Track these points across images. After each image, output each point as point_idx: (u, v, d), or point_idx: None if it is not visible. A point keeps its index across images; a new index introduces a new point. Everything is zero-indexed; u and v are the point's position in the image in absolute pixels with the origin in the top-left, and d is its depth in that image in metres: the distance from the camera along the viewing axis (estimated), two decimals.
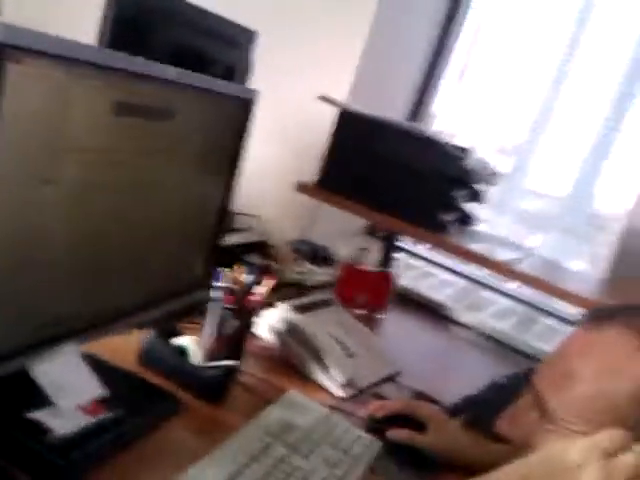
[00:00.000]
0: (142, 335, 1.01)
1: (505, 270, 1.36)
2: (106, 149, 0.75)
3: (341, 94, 1.74)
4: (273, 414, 0.94)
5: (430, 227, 1.41)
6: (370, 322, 1.51)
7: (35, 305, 0.73)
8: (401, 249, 1.87)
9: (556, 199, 1.93)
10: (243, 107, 1.02)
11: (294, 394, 1.02)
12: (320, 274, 1.60)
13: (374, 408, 1.05)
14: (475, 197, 1.50)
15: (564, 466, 0.55)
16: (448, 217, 1.44)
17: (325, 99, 1.50)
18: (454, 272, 1.96)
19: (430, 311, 1.77)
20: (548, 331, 1.85)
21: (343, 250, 1.75)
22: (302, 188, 1.55)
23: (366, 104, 1.58)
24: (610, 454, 0.53)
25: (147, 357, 0.99)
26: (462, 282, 1.97)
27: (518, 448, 0.67)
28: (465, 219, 1.51)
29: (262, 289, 1.06)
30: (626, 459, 0.52)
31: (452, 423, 1.03)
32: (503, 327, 1.79)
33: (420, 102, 2.00)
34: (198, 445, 0.84)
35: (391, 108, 1.89)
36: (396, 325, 1.61)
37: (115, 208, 0.81)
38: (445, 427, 1.02)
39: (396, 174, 1.42)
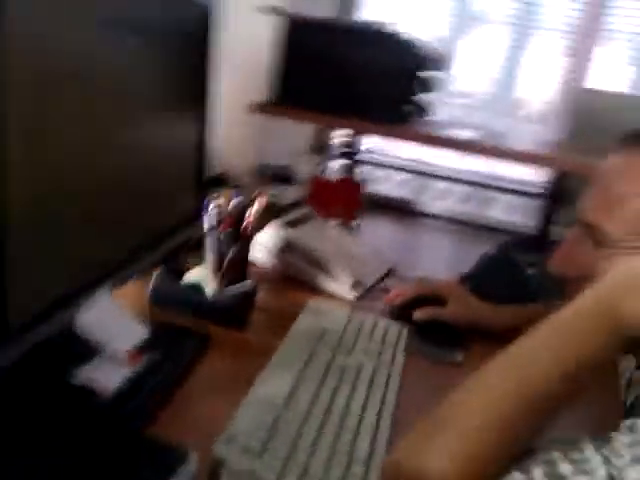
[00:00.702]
0: (147, 280, 0.98)
1: (475, 148, 1.38)
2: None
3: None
4: (304, 324, 0.94)
5: (392, 121, 1.40)
6: (348, 229, 1.52)
7: (64, 254, 0.69)
8: (355, 157, 1.86)
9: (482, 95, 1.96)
10: (201, 17, 0.94)
11: (314, 302, 1.03)
12: (290, 193, 1.58)
13: (393, 297, 1.07)
14: (429, 85, 1.50)
15: None
16: (408, 108, 1.44)
17: (270, 9, 1.44)
18: (412, 171, 1.98)
19: (399, 209, 1.79)
20: (506, 206, 1.91)
21: (303, 167, 1.73)
22: (257, 108, 1.50)
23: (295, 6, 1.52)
24: None
25: (160, 297, 0.96)
26: (420, 178, 2.00)
27: (575, 284, 0.68)
28: (422, 109, 1.51)
29: (254, 210, 1.04)
30: None
31: (468, 293, 1.07)
32: (467, 209, 1.84)
33: None
34: (240, 370, 0.84)
35: (320, 7, 1.83)
36: (373, 228, 1.62)
37: (105, 138, 0.75)
38: (464, 298, 1.05)
39: (351, 75, 1.40)
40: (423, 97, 1.51)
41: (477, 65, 1.82)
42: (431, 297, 1.05)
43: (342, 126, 1.54)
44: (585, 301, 0.61)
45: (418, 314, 1.02)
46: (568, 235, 0.70)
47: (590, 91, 1.64)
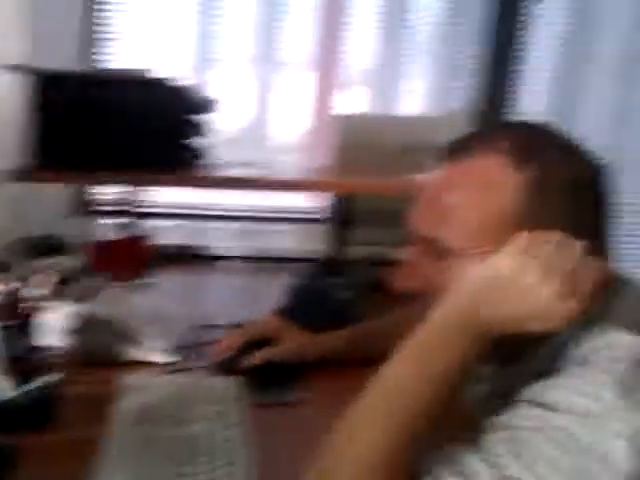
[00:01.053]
0: None
1: (253, 183, 1.38)
2: None
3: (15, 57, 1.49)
4: (126, 405, 0.82)
5: (167, 168, 1.32)
6: (144, 290, 1.40)
7: None
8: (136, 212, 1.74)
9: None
10: None
11: (132, 378, 0.90)
12: (68, 262, 1.41)
13: (220, 350, 1.00)
14: (201, 128, 1.44)
15: (501, 277, 0.58)
16: (182, 154, 1.37)
17: (11, 67, 1.27)
18: (197, 216, 1.91)
19: (193, 258, 1.71)
20: (292, 235, 1.92)
21: (75, 232, 1.57)
22: (9, 176, 1.31)
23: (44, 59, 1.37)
24: (532, 250, 0.57)
25: None
26: (206, 222, 1.93)
27: (422, 296, 0.67)
28: (197, 152, 1.45)
29: (32, 291, 0.90)
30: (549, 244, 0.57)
31: (294, 328, 1.03)
32: (256, 245, 1.81)
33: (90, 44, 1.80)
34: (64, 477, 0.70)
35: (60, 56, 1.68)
36: (171, 282, 1.51)
37: None
38: (292, 333, 1.02)
39: (116, 126, 1.28)
40: (196, 141, 1.46)
41: (233, 104, 1.82)
42: (259, 340, 0.99)
43: (114, 181, 1.42)
44: (444, 314, 0.60)
45: (247, 362, 0.96)
46: (407, 253, 0.69)
47: (353, 116, 1.73)
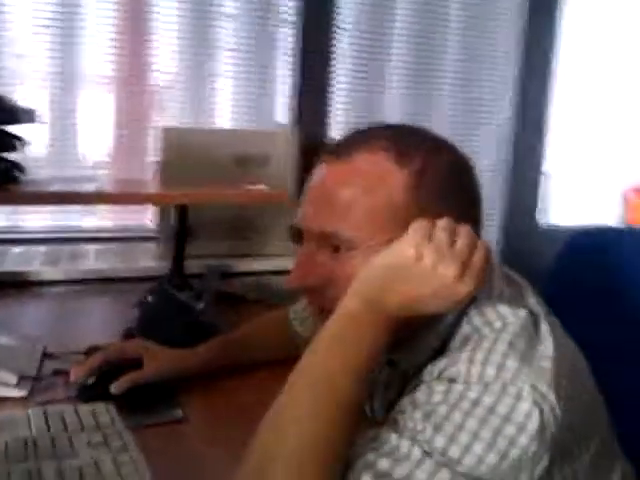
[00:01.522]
0: None
1: (95, 197, 1.29)
2: None
3: None
4: None
5: None
6: None
7: None
8: None
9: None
10: None
11: None
12: None
13: (77, 374, 0.92)
14: (17, 142, 1.31)
15: (401, 262, 0.61)
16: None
17: None
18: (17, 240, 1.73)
19: (10, 285, 1.54)
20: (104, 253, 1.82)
21: None
22: None
23: None
24: (426, 236, 0.61)
25: None
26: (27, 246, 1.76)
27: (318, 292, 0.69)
28: (16, 168, 1.32)
29: None
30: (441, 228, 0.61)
31: (158, 346, 0.99)
32: (88, 266, 1.69)
33: None
34: None
35: None
36: (3, 311, 1.36)
37: None
38: (157, 352, 0.98)
39: None
40: (11, 155, 1.32)
41: (41, 121, 1.69)
42: (123, 363, 0.94)
43: None
44: (348, 304, 0.63)
45: (115, 387, 0.90)
46: (300, 252, 0.71)
47: (178, 129, 1.70)
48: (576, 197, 2.61)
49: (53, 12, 1.71)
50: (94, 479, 0.66)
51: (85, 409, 0.83)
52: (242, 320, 1.15)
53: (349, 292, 0.63)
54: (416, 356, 0.71)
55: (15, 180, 1.31)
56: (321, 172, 0.71)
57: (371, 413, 0.81)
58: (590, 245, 1.09)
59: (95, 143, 1.84)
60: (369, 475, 0.57)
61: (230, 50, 1.93)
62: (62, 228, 1.84)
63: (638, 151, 2.55)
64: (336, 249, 0.68)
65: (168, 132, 1.63)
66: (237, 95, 1.97)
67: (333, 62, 2.07)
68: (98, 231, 1.87)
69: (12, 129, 1.32)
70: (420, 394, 0.63)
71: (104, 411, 0.83)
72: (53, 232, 1.81)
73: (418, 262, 0.61)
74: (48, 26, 1.72)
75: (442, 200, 0.67)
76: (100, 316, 1.44)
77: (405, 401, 0.64)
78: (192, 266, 1.51)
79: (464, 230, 0.63)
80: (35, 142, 1.62)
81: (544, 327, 0.67)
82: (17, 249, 1.72)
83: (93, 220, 1.87)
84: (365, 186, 0.67)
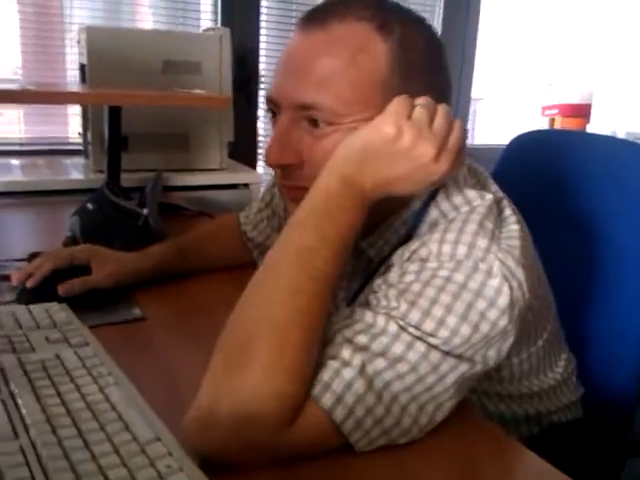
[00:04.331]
0: None
1: (22, 94, 1.21)
2: None
3: None
4: None
5: None
6: None
7: None
8: None
9: None
10: None
11: None
12: None
13: (19, 279, 0.88)
14: None
15: (380, 140, 0.60)
16: None
17: None
18: None
19: None
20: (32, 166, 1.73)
21: None
22: None
23: None
24: (406, 113, 0.60)
25: None
26: None
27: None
28: None
29: None
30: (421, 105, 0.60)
31: (108, 250, 0.96)
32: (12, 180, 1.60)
33: None
34: None
35: None
36: None
37: None
38: (106, 255, 0.94)
39: None
40: None
41: None
42: (71, 267, 0.90)
43: None
44: (327, 181, 0.62)
45: (65, 290, 0.87)
46: (276, 126, 0.68)
47: (100, 29, 1.59)
48: (502, 118, 2.72)
49: None
50: (59, 372, 0.64)
51: (39, 308, 0.80)
52: (185, 230, 1.12)
53: (326, 169, 0.62)
54: (383, 243, 0.71)
55: None
56: (297, 40, 0.67)
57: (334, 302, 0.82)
58: (532, 143, 1.13)
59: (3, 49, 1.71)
60: (349, 349, 0.58)
61: None
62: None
63: (556, 73, 2.69)
64: (314, 123, 0.65)
65: (91, 32, 1.52)
66: None
67: None
68: (21, 144, 1.76)
69: None
70: (392, 275, 0.64)
71: (58, 310, 0.80)
72: None
73: (397, 140, 0.60)
74: None
75: (422, 75, 0.66)
76: (36, 227, 1.37)
77: (377, 282, 0.65)
78: (127, 180, 1.46)
79: (442, 110, 0.62)
80: None
81: (508, 210, 0.69)
82: None
83: (14, 132, 1.76)
84: (346, 56, 0.64)
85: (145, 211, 1.13)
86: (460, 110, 2.44)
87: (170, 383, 0.71)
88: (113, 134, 1.41)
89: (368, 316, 0.61)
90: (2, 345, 0.68)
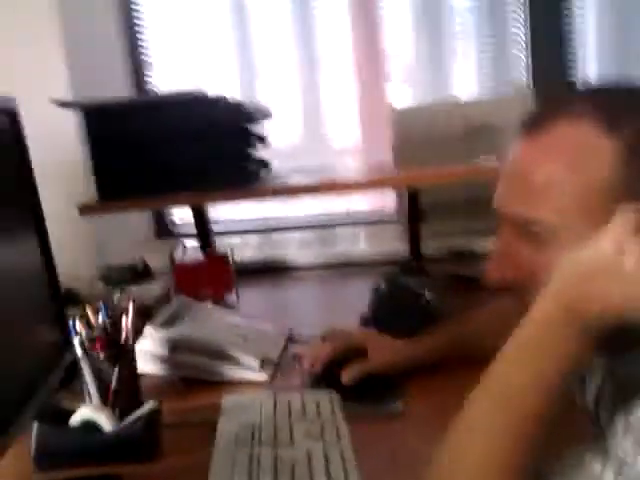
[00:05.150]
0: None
1: (325, 187, 1.37)
2: None
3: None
4: (227, 427, 0.82)
5: (239, 183, 1.33)
6: (229, 307, 1.42)
7: None
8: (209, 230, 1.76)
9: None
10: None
11: (229, 399, 0.91)
12: (153, 288, 1.44)
13: (311, 364, 0.99)
14: (257, 139, 1.44)
15: (601, 262, 0.53)
16: (249, 167, 1.37)
17: (62, 103, 1.31)
18: (268, 229, 1.91)
19: (270, 271, 1.71)
20: (366, 238, 1.88)
21: (155, 257, 1.60)
22: (86, 210, 1.35)
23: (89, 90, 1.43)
24: (635, 228, 0.52)
25: (48, 456, 0.79)
26: (278, 233, 1.93)
27: (519, 290, 0.63)
28: (260, 164, 1.45)
29: (129, 318, 0.92)
30: None
31: (385, 336, 1.01)
32: (331, 252, 1.80)
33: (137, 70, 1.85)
34: None
35: (114, 85, 1.74)
36: (253, 296, 1.53)
37: None
38: (383, 342, 1.00)
39: (176, 149, 1.30)
40: (257, 152, 1.45)
41: (282, 113, 1.80)
42: (349, 351, 0.98)
43: (182, 202, 1.46)
44: (544, 308, 0.56)
45: (347, 375, 0.94)
46: (497, 241, 0.64)
47: (406, 109, 1.69)
48: None
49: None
50: (304, 472, 0.70)
51: (310, 398, 0.88)
52: (476, 306, 1.10)
53: (543, 293, 0.56)
54: (632, 363, 0.61)
55: (261, 175, 1.44)
56: (516, 148, 0.62)
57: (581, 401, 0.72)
58: None
59: (341, 130, 1.92)
60: None
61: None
62: (318, 214, 1.96)
63: None
64: (534, 237, 0.59)
65: (397, 113, 1.63)
66: (471, 59, 1.87)
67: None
68: (346, 216, 1.95)
69: (255, 128, 1.44)
70: (635, 418, 0.54)
71: (327, 401, 0.88)
72: (308, 218, 1.95)
73: (621, 260, 0.51)
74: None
75: None
76: (344, 300, 1.51)
77: (617, 420, 0.55)
78: (429, 247, 1.51)
79: None
80: (282, 133, 1.76)
81: None
82: (274, 236, 1.89)
83: (342, 204, 1.96)
84: (568, 162, 0.57)
85: (428, 292, 1.15)
86: None
87: None
88: (412, 209, 1.48)
89: (596, 470, 0.52)
90: (268, 437, 0.78)
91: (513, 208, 0.61)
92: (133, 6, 1.85)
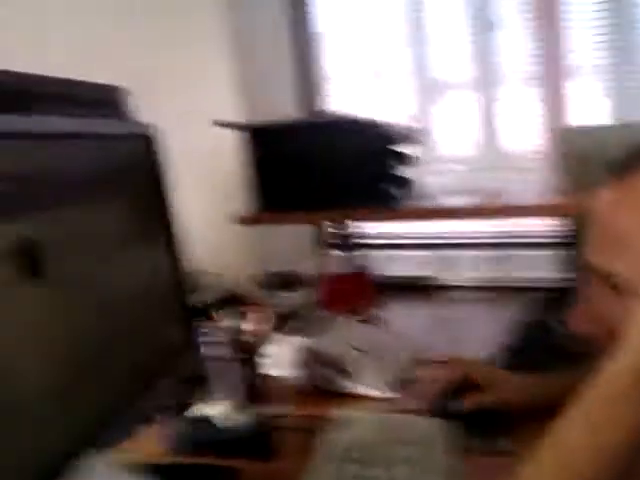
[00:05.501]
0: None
1: (476, 211, 1.35)
2: None
3: (226, 112, 1.71)
4: (337, 440, 0.87)
5: (376, 202, 1.39)
6: (370, 322, 1.47)
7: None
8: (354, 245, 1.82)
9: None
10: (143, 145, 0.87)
11: (340, 413, 0.96)
12: (297, 297, 1.53)
13: (432, 393, 0.99)
14: (406, 159, 1.48)
15: None
16: (388, 186, 1.42)
17: (222, 124, 1.46)
18: (417, 245, 1.93)
19: (416, 288, 1.74)
20: (522, 261, 1.83)
21: (308, 268, 1.70)
22: (245, 220, 1.49)
23: (254, 112, 1.55)
24: None
25: (184, 442, 0.90)
26: (426, 251, 1.94)
27: (605, 341, 0.61)
28: (404, 183, 1.48)
29: (258, 326, 1.01)
30: None
31: (506, 373, 1.00)
32: (484, 274, 1.77)
33: (308, 91, 1.97)
34: None
35: (280, 107, 1.87)
36: (396, 314, 1.56)
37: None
38: (505, 379, 0.98)
39: (327, 168, 1.40)
40: (403, 172, 1.49)
41: (455, 130, 1.81)
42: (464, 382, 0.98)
43: (329, 219, 1.55)
44: (617, 374, 0.54)
45: (470, 403, 0.94)
46: (583, 288, 0.63)
47: (574, 129, 1.61)
48: None
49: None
50: None
51: (425, 423, 0.90)
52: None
53: (623, 347, 0.54)
54: None
55: (410, 196, 1.47)
56: (600, 197, 0.59)
57: None
58: None
59: (517, 147, 1.88)
60: None
61: None
62: (478, 233, 1.93)
63: None
64: (616, 289, 0.57)
65: (565, 133, 1.56)
66: None
67: None
68: (492, 237, 1.90)
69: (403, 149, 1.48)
70: None
71: (438, 429, 0.89)
72: (446, 238, 1.93)
73: None
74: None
75: None
76: (486, 325, 1.48)
77: None
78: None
79: None
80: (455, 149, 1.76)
81: None
82: (410, 254, 1.90)
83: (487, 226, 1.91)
84: None
85: (561, 327, 1.11)
86: None
87: None
88: (570, 236, 1.42)
89: None
90: (374, 457, 0.81)
91: (595, 257, 0.59)
92: (308, 28, 1.97)
